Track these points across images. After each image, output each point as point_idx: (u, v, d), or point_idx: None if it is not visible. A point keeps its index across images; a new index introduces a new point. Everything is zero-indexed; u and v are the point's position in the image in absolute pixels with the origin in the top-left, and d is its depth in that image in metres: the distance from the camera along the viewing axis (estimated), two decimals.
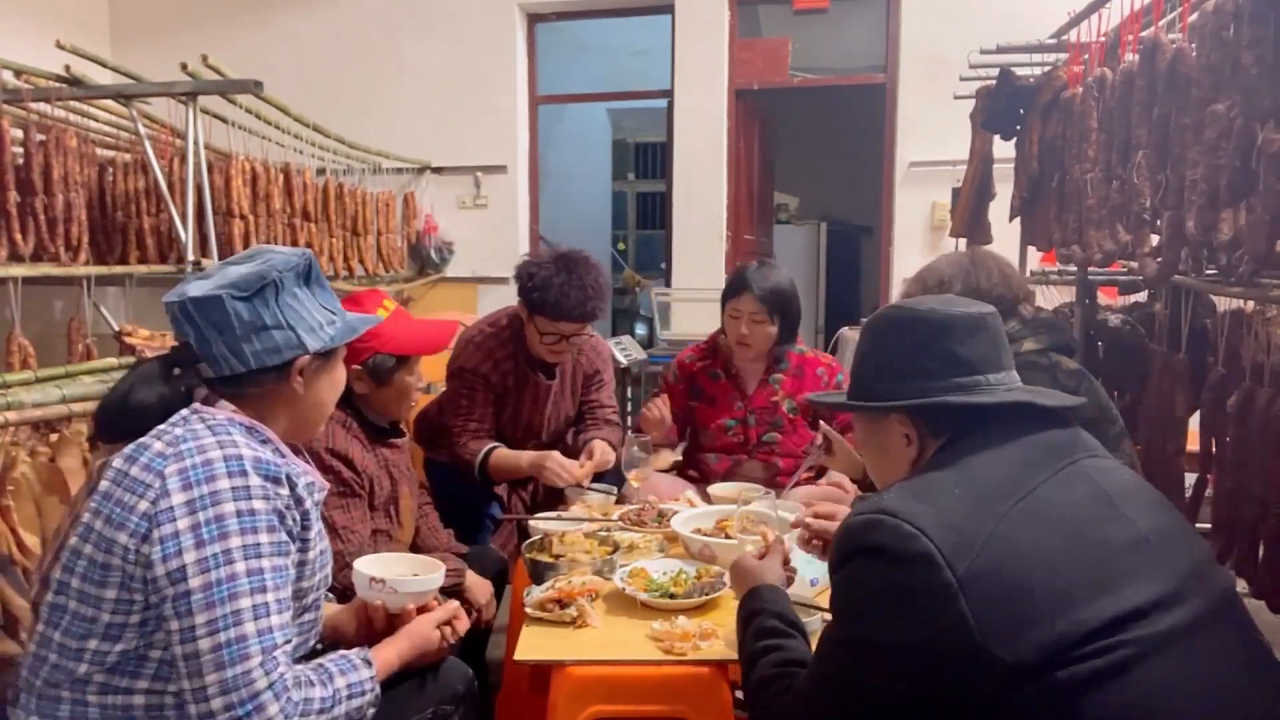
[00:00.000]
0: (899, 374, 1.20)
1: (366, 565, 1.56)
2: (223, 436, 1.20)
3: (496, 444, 2.53)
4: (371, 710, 1.30)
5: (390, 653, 1.42)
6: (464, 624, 1.59)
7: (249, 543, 1.14)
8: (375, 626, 1.50)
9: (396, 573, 1.54)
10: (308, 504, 1.27)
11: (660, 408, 2.59)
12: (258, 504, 1.17)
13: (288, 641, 1.18)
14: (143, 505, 1.14)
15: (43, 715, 1.18)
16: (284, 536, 1.21)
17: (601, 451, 2.51)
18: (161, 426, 1.22)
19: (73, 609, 1.17)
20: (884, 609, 1.02)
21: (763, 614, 1.36)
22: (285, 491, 1.22)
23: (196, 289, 1.27)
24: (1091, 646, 0.95)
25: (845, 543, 1.09)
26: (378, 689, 1.31)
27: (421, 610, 1.53)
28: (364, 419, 2.06)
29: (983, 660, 0.95)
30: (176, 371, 1.28)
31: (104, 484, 1.18)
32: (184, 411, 1.25)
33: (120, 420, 1.24)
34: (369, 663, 1.32)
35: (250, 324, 1.26)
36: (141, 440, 1.20)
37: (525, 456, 2.49)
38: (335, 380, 1.41)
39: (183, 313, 1.27)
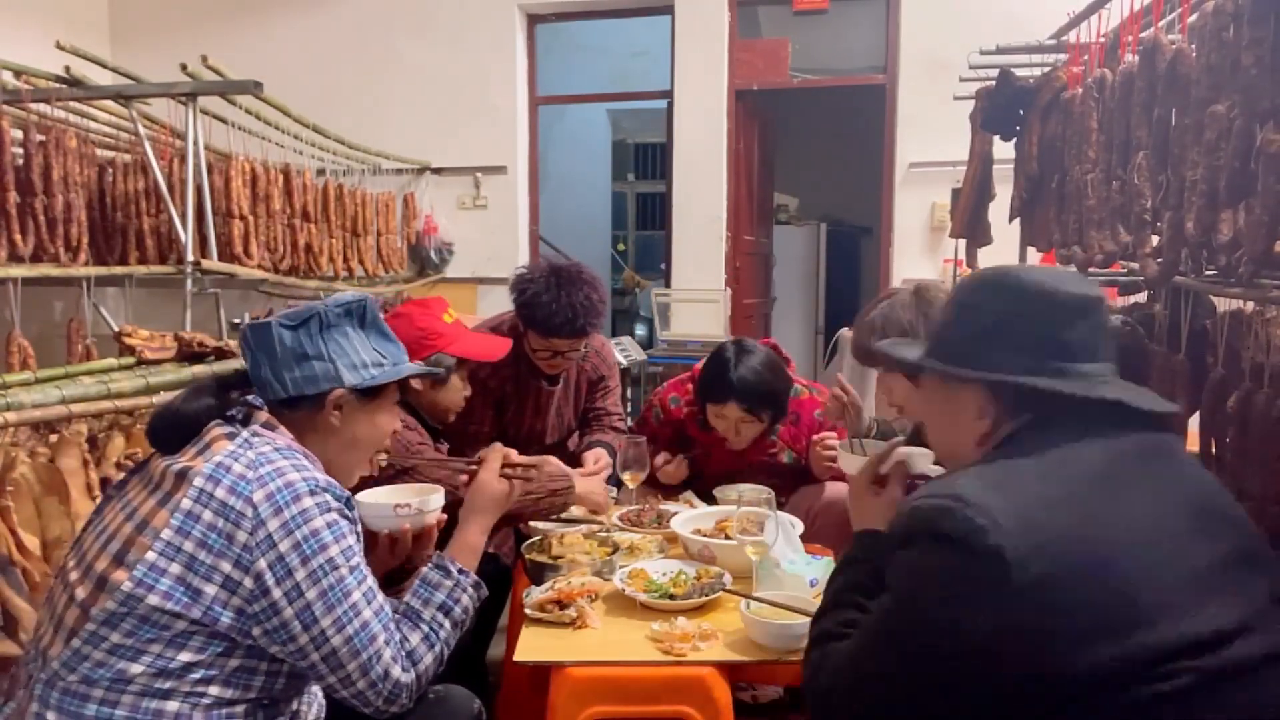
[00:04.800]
0: (990, 343, 1.13)
1: (378, 497, 1.61)
2: (293, 460, 1.29)
3: (491, 446, 2.52)
4: (480, 594, 1.47)
5: (469, 537, 1.56)
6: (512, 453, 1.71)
7: (343, 547, 1.26)
8: (399, 551, 1.57)
9: (401, 499, 1.60)
10: (358, 528, 1.34)
11: (674, 462, 2.50)
12: (336, 515, 1.27)
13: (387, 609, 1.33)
14: (241, 536, 1.21)
15: (63, 712, 1.19)
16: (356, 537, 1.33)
17: (595, 459, 2.50)
18: (231, 447, 1.26)
19: (143, 615, 1.18)
20: (945, 597, 0.97)
21: (857, 563, 1.28)
22: (347, 511, 1.31)
23: (257, 320, 1.39)
24: (1163, 669, 0.90)
25: (914, 524, 1.03)
26: (466, 578, 1.45)
27: (419, 538, 1.57)
28: (424, 422, 2.14)
29: (1042, 669, 0.91)
30: (233, 393, 1.37)
31: (186, 502, 1.21)
32: (245, 433, 1.30)
33: (172, 429, 1.30)
34: (446, 570, 1.45)
35: (292, 351, 1.36)
36: (219, 460, 1.24)
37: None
38: (377, 423, 1.47)
39: (243, 338, 1.39)
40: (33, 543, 1.82)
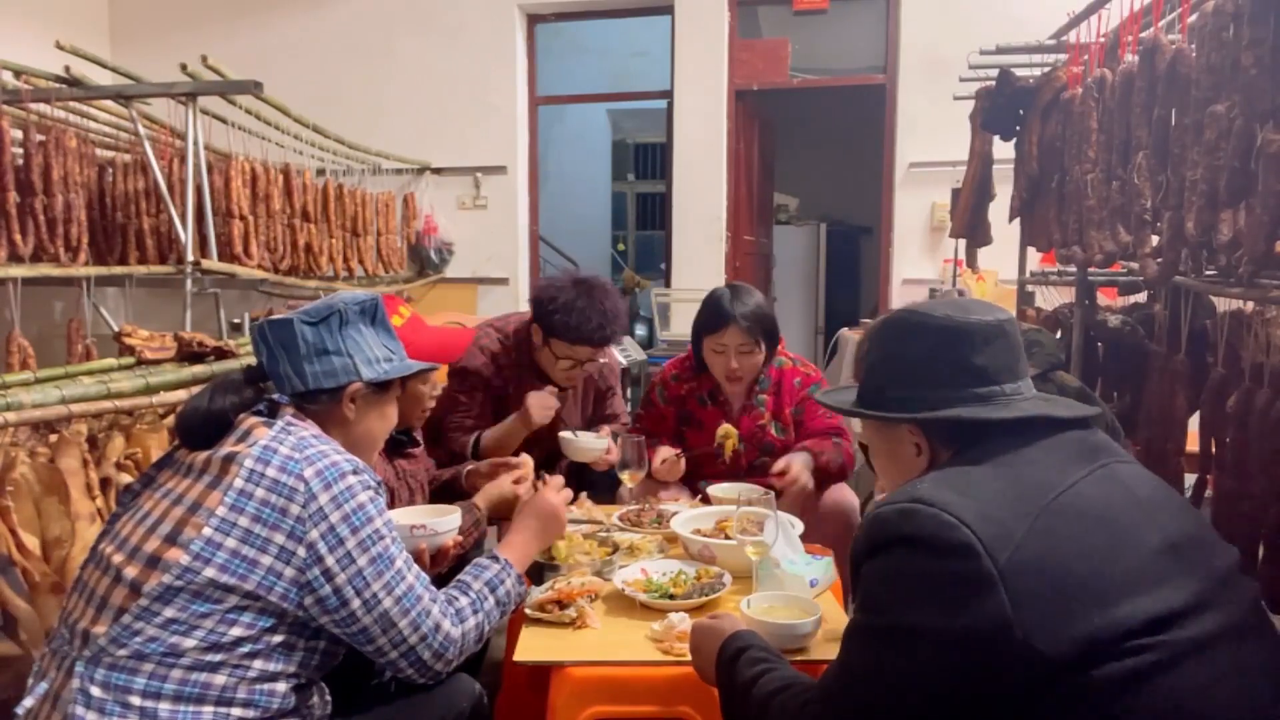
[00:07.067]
0: (911, 382, 1.17)
1: (395, 519, 1.63)
2: (330, 445, 1.37)
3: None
4: (522, 590, 1.57)
5: (519, 540, 1.66)
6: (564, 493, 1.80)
7: (384, 520, 1.37)
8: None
9: (418, 521, 1.68)
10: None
11: (670, 458, 2.48)
12: (374, 492, 1.37)
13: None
14: (294, 509, 1.29)
15: (110, 686, 1.22)
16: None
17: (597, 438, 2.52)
18: (271, 433, 1.34)
19: (197, 590, 1.24)
20: (921, 598, 0.99)
21: (750, 648, 1.32)
22: (379, 492, 1.40)
23: (276, 317, 1.45)
24: (1127, 645, 0.94)
25: (878, 532, 1.05)
26: (512, 568, 1.56)
27: (435, 558, 1.68)
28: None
29: (1020, 653, 0.93)
30: (254, 387, 1.44)
31: (239, 482, 1.29)
32: (280, 422, 1.37)
33: (204, 426, 1.37)
34: (495, 557, 1.57)
35: (313, 346, 1.43)
36: (264, 444, 1.32)
37: (507, 423, 2.47)
38: (385, 415, 1.56)
39: (259, 334, 1.45)
40: (33, 543, 1.82)
